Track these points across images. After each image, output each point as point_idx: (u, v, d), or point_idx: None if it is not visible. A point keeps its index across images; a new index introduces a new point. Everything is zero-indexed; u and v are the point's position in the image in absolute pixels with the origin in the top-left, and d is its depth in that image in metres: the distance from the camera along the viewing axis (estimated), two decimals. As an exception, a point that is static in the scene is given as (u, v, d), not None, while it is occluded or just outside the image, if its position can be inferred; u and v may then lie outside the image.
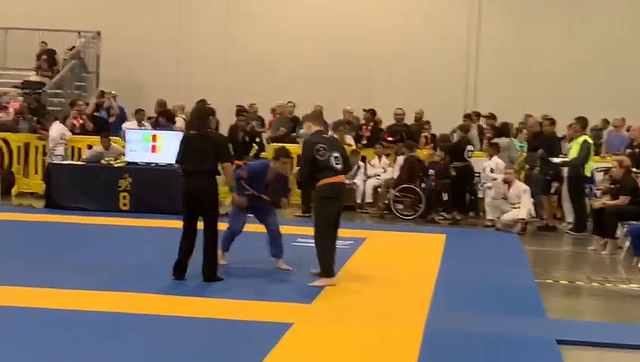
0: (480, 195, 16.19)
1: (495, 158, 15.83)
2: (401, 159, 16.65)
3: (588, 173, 14.97)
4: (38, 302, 7.96)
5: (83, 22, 23.27)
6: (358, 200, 16.99)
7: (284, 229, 10.27)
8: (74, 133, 17.99)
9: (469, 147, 16.33)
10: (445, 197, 16.10)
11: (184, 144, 9.31)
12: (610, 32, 22.42)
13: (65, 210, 14.87)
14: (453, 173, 16.10)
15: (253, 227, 10.30)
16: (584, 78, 22.14)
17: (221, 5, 23.91)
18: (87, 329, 7.08)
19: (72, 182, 15.41)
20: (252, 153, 15.90)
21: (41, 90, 21.12)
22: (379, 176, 17.07)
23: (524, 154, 16.48)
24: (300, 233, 11.60)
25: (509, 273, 10.66)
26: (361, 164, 17.16)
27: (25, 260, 10.24)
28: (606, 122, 19.35)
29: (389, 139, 17.82)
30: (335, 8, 23.55)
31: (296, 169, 12.48)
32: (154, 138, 15.33)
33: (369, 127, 18.31)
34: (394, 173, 16.74)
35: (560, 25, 22.80)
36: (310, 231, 9.46)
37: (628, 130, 17.80)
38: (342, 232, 9.68)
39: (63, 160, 16.87)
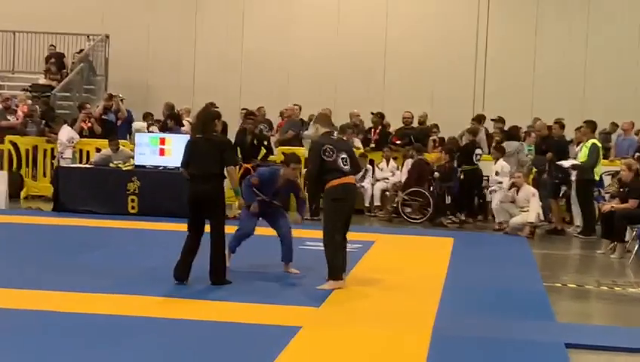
0: (488, 199, 16.17)
1: (500, 161, 15.79)
2: (409, 162, 16.65)
3: (596, 177, 14.95)
4: (46, 304, 7.98)
5: (91, 25, 23.35)
6: (367, 204, 17.01)
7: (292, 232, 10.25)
8: (82, 136, 18.04)
9: (478, 150, 16.31)
10: (448, 200, 16.08)
11: (189, 148, 9.30)
12: (629, 34, 22.26)
13: (73, 213, 14.88)
14: (462, 177, 16.09)
15: (262, 230, 10.29)
16: (595, 81, 22.08)
17: (232, 9, 23.89)
18: (95, 332, 7.09)
19: (80, 185, 15.43)
20: (260, 156, 15.92)
21: (49, 94, 21.17)
22: (387, 179, 17.07)
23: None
24: (308, 236, 11.59)
25: (518, 276, 10.64)
26: (369, 167, 17.15)
27: (33, 263, 10.25)
28: (615, 126, 19.31)
29: (397, 142, 17.83)
30: (345, 13, 23.49)
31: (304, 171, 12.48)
32: (162, 141, 15.36)
33: (377, 131, 18.31)
34: (402, 176, 16.74)
35: (572, 27, 22.64)
36: (319, 234, 9.44)
37: (637, 134, 17.79)
38: (350, 235, 9.66)
39: (71, 163, 16.91)
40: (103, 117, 18.97)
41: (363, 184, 16.62)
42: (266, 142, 16.49)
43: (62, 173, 15.82)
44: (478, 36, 23.05)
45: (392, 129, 18.72)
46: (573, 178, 15.05)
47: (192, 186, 9.17)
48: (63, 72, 22.57)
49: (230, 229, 9.67)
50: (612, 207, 13.01)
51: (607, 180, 15.82)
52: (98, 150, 17.12)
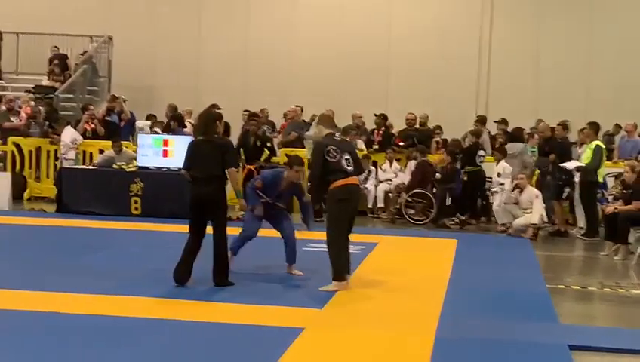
0: (491, 200, 16.17)
1: (502, 163, 15.76)
2: (412, 164, 16.65)
3: (600, 179, 14.94)
4: (49, 306, 7.99)
5: (95, 26, 23.33)
6: (370, 205, 17.00)
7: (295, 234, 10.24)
8: (85, 138, 18.05)
9: (481, 152, 16.31)
10: (449, 201, 16.08)
11: (191, 150, 9.30)
12: (633, 34, 22.16)
13: (76, 214, 14.91)
14: (465, 178, 16.09)
15: (264, 232, 10.29)
16: (598, 82, 22.05)
17: (235, 10, 23.88)
18: (98, 333, 7.08)
19: (83, 187, 15.45)
20: (263, 158, 15.92)
21: (52, 95, 21.18)
22: (390, 180, 17.07)
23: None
24: (311, 238, 11.57)
25: (521, 278, 10.63)
26: (373, 168, 17.15)
27: (36, 264, 10.27)
28: (618, 127, 19.29)
29: (401, 144, 17.83)
30: (348, 14, 23.48)
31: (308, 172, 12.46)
32: (165, 142, 15.38)
33: (380, 132, 18.32)
34: (405, 177, 16.74)
35: (576, 28, 22.58)
36: (322, 235, 9.43)
37: (640, 136, 17.78)
38: (353, 237, 9.64)
39: (74, 164, 16.93)
40: (106, 118, 19.01)
41: (366, 185, 16.62)
42: (269, 144, 16.49)
43: (65, 175, 15.84)
44: (481, 37, 23.03)
45: (395, 130, 18.72)
46: (576, 180, 15.04)
47: (195, 188, 9.16)
48: (67, 74, 22.56)
49: (232, 231, 9.67)
50: (615, 208, 13.00)
51: (610, 182, 15.80)
52: (101, 151, 17.14)
